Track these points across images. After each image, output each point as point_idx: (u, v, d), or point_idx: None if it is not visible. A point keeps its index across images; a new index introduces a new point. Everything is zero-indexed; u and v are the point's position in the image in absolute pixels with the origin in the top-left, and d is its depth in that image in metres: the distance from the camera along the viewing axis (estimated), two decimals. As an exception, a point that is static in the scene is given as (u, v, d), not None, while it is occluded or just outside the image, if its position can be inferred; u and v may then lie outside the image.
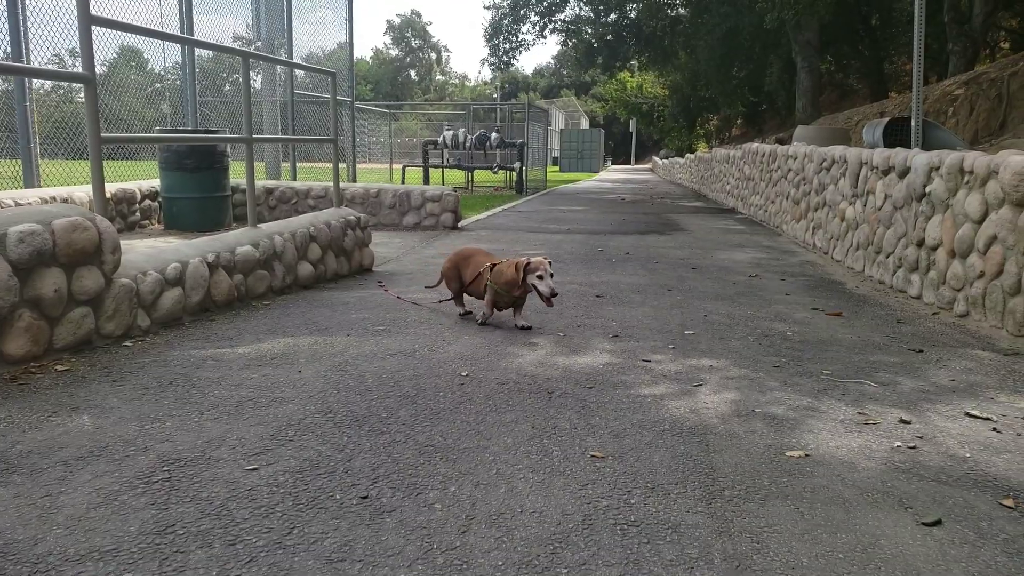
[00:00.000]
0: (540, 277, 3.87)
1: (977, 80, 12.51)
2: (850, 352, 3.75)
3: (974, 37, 16.08)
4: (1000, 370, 3.45)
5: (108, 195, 7.52)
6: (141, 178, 9.00)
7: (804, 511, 2.06)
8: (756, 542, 1.89)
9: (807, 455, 2.43)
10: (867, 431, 2.66)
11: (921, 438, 2.60)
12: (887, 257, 5.67)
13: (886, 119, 8.75)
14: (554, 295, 3.86)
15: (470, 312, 4.39)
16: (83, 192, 7.27)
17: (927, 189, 5.03)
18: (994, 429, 2.70)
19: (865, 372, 3.40)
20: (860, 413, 2.84)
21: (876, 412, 2.85)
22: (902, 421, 2.75)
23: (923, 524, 1.99)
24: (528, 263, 3.92)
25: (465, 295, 4.42)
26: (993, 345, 3.89)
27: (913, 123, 7.26)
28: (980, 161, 4.38)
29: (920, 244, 5.10)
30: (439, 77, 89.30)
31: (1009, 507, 2.10)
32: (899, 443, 2.54)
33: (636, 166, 51.91)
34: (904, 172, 5.43)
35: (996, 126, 11.18)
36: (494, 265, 4.15)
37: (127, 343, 3.56)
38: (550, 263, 3.95)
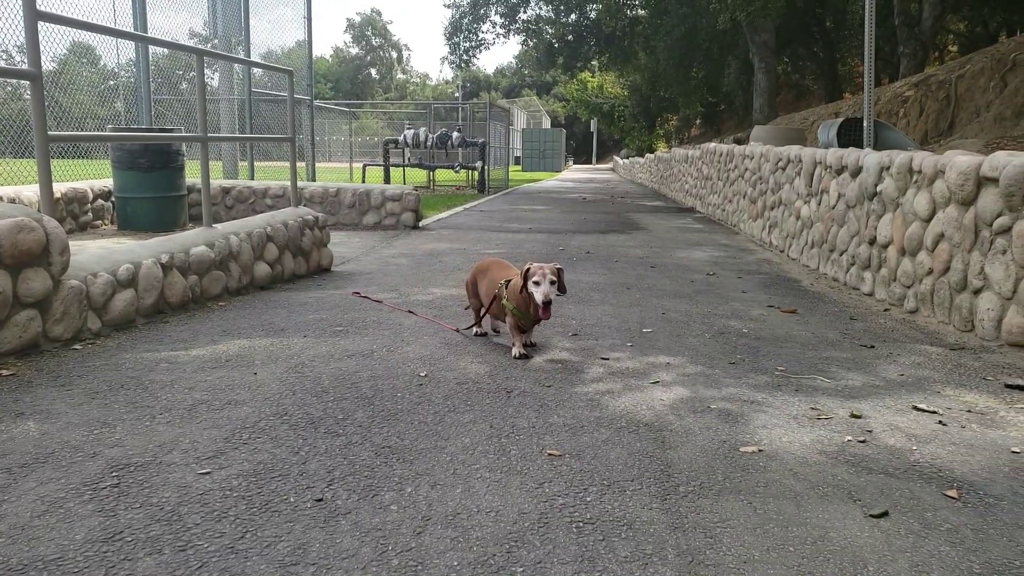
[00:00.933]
0: (537, 283, 3.40)
1: (926, 82, 12.84)
2: (804, 348, 3.82)
3: (923, 40, 16.51)
4: (947, 364, 3.55)
5: (59, 195, 7.35)
6: (94, 177, 8.79)
7: (757, 506, 2.09)
8: (709, 537, 1.92)
9: (760, 450, 2.47)
10: (819, 426, 2.71)
11: (871, 432, 2.66)
12: (840, 255, 5.79)
13: (840, 119, 8.94)
14: (547, 302, 3.36)
15: (486, 333, 3.97)
16: (31, 191, 7.07)
17: (878, 188, 5.15)
18: (940, 422, 2.77)
19: (818, 368, 3.46)
20: (813, 408, 2.89)
21: (828, 407, 2.91)
22: (853, 415, 2.81)
23: (871, 516, 2.04)
24: (528, 268, 3.47)
25: (492, 319, 3.96)
26: (940, 340, 4.00)
27: (865, 124, 7.42)
28: (928, 161, 4.49)
29: (872, 242, 5.21)
30: (400, 76, 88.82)
31: (953, 498, 2.16)
32: (849, 437, 2.60)
33: (597, 166, 52.25)
34: (856, 172, 5.56)
35: (945, 127, 11.49)
36: (509, 281, 3.65)
37: (76, 346, 3.48)
38: (559, 269, 3.49)
